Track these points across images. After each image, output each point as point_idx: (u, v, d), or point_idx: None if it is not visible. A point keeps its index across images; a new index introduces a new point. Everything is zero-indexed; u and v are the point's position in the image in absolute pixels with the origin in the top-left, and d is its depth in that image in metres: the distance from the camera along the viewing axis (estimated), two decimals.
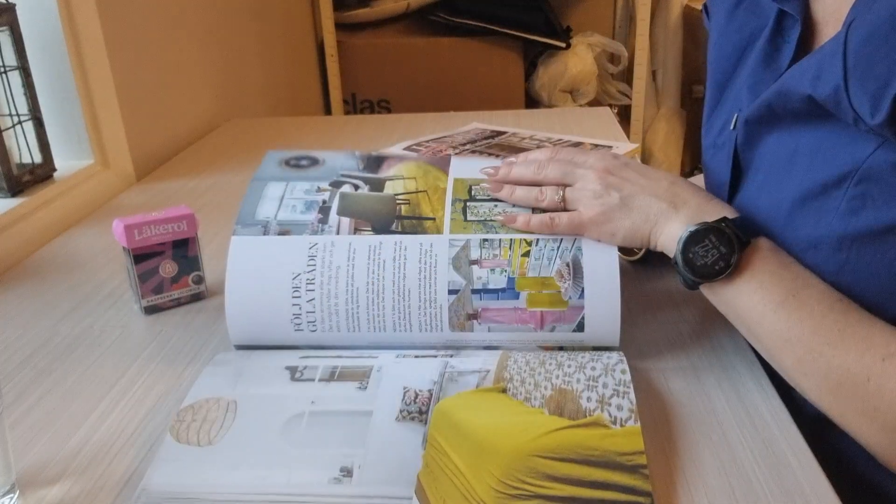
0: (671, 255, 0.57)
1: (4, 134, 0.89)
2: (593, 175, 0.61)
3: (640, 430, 0.49)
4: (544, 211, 0.62)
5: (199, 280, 0.72)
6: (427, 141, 1.12)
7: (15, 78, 0.91)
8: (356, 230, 0.61)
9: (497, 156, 1.00)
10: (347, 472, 0.47)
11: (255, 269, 0.61)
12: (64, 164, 1.01)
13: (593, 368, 0.55)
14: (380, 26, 2.20)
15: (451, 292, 0.59)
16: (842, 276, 0.51)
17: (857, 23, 0.48)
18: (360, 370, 0.56)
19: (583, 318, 0.58)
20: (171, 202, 1.01)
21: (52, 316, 0.72)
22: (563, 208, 0.61)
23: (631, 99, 2.26)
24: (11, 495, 0.47)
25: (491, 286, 0.59)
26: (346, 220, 0.62)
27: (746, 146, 0.61)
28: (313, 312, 0.60)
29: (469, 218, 0.62)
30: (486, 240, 0.60)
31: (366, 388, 0.54)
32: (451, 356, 0.58)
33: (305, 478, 0.47)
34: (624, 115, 2.31)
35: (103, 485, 0.49)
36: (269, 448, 0.50)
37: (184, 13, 1.32)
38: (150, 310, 0.71)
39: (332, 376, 0.56)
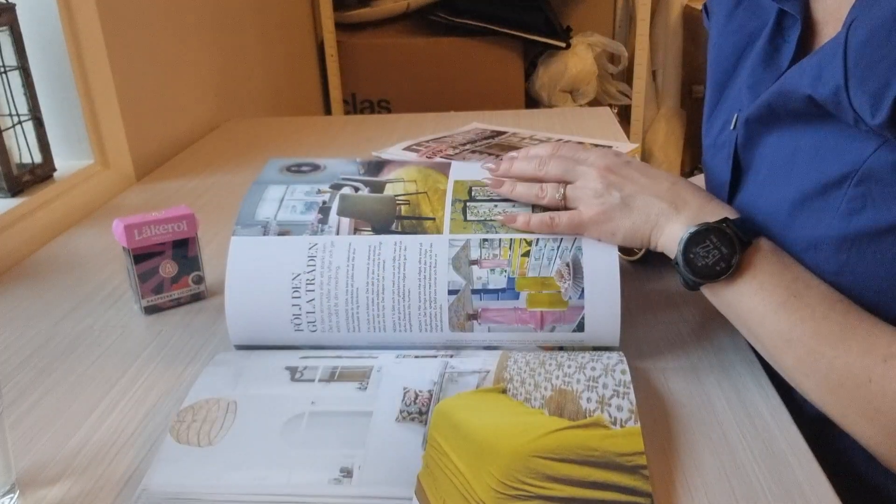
0: (671, 256, 0.57)
1: (4, 134, 0.89)
2: (595, 173, 0.60)
3: (640, 431, 0.49)
4: (545, 208, 0.62)
5: (199, 280, 0.72)
6: (427, 141, 1.12)
7: (15, 78, 0.91)
8: (356, 230, 0.62)
9: (497, 156, 1.00)
10: (347, 473, 0.47)
11: (254, 270, 0.61)
12: (64, 164, 1.01)
13: (593, 369, 0.55)
14: (380, 26, 2.20)
15: (450, 292, 0.59)
16: (842, 277, 0.51)
17: (858, 23, 0.48)
18: (360, 370, 0.56)
19: (583, 318, 0.58)
20: (171, 202, 1.01)
21: (52, 316, 0.72)
22: (564, 206, 0.61)
23: (631, 99, 2.26)
24: (11, 495, 0.47)
25: (491, 286, 0.59)
26: (345, 221, 0.62)
27: (747, 146, 0.61)
28: (313, 313, 0.60)
29: (469, 218, 0.62)
30: (485, 240, 0.60)
31: (366, 388, 0.54)
32: (451, 356, 0.58)
33: (305, 478, 0.47)
34: (624, 115, 2.31)
35: (103, 485, 0.49)
36: (269, 448, 0.50)
37: (184, 13, 1.32)
38: (150, 310, 0.71)
39: (332, 377, 0.56)
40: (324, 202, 0.64)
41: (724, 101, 0.66)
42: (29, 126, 0.94)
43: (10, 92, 0.91)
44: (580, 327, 0.58)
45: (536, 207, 0.62)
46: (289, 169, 0.68)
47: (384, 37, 2.19)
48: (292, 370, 0.57)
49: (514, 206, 0.63)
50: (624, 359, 0.56)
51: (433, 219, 0.62)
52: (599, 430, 0.49)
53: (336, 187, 0.65)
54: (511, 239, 0.60)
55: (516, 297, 0.58)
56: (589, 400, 0.52)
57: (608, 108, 1.45)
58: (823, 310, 0.50)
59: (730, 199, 0.63)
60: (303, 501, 0.46)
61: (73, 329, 0.69)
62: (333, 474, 0.47)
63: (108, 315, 0.71)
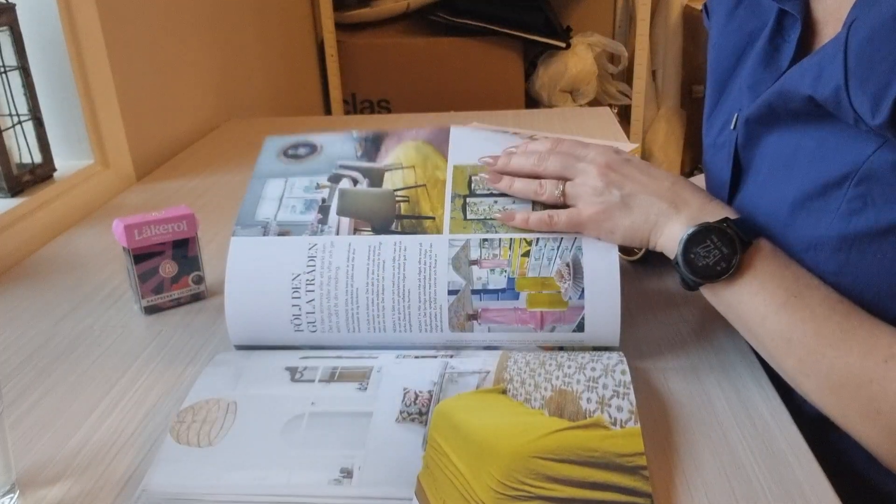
0: (671, 256, 0.56)
1: (4, 134, 0.89)
2: (594, 170, 0.60)
3: (640, 432, 0.49)
4: (543, 205, 0.61)
5: (199, 280, 0.72)
6: None
7: (15, 78, 0.91)
8: (356, 230, 0.61)
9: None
10: (347, 474, 0.47)
11: (254, 270, 0.61)
12: (64, 164, 1.01)
13: (593, 369, 0.55)
14: (380, 26, 2.20)
15: (450, 293, 0.59)
16: (842, 277, 0.51)
17: (859, 23, 0.48)
18: (360, 371, 0.56)
19: (583, 318, 0.58)
20: (171, 202, 1.01)
21: (52, 316, 0.72)
22: (563, 203, 0.61)
23: (631, 99, 2.26)
24: (11, 495, 0.47)
25: (491, 286, 0.59)
26: (345, 220, 0.62)
27: (747, 146, 0.61)
28: (313, 313, 0.60)
29: (469, 216, 0.62)
30: (485, 240, 0.60)
31: (366, 388, 0.54)
32: (451, 357, 0.58)
33: (305, 479, 0.47)
34: (624, 115, 2.31)
35: (103, 485, 0.49)
36: (269, 449, 0.50)
37: (184, 13, 1.32)
38: (150, 310, 0.70)
39: (332, 377, 0.56)
40: (323, 200, 0.64)
41: (724, 101, 0.66)
42: (29, 126, 0.94)
43: (10, 92, 0.91)
44: (580, 327, 0.58)
45: (536, 204, 0.62)
46: (286, 153, 0.68)
47: (384, 37, 2.19)
48: (292, 370, 0.57)
49: (513, 202, 0.62)
50: (624, 359, 0.56)
51: (433, 218, 0.62)
52: (599, 431, 0.49)
53: (334, 179, 0.65)
54: (511, 239, 0.60)
55: (516, 297, 0.58)
56: (589, 400, 0.52)
57: (608, 108, 1.45)
58: (824, 310, 0.50)
59: (730, 199, 0.63)
60: (303, 502, 0.46)
61: (73, 329, 0.69)
62: (333, 475, 0.47)
63: (108, 315, 0.71)
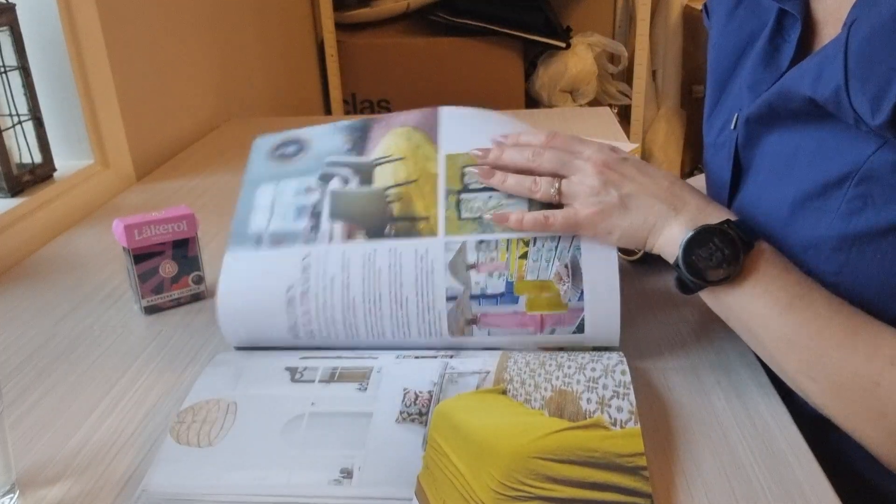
0: (670, 259, 0.56)
1: (4, 134, 0.89)
2: (592, 169, 0.58)
3: (640, 432, 0.49)
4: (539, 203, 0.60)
5: (199, 280, 0.72)
6: None
7: (15, 78, 0.91)
8: (349, 235, 0.60)
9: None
10: (347, 474, 0.47)
11: (248, 287, 0.60)
12: (64, 164, 1.01)
13: (593, 369, 0.55)
14: (380, 26, 2.20)
15: (449, 299, 0.58)
16: (842, 277, 0.51)
17: (859, 24, 0.48)
18: (360, 371, 0.56)
19: (583, 319, 0.58)
20: (171, 202, 1.01)
21: (52, 316, 0.72)
22: (558, 201, 0.59)
23: (631, 99, 2.26)
24: (11, 495, 0.47)
25: (490, 291, 0.58)
26: (338, 226, 0.61)
27: (747, 146, 0.60)
28: (310, 324, 0.59)
29: (464, 215, 0.60)
30: (482, 241, 0.59)
31: (366, 389, 0.54)
32: (451, 357, 0.58)
33: (305, 479, 0.47)
34: (624, 115, 2.31)
35: (103, 485, 0.49)
36: (269, 449, 0.50)
37: (184, 13, 1.32)
38: (150, 310, 0.70)
39: (332, 377, 0.56)
40: (314, 205, 0.62)
41: (725, 101, 0.66)
42: (29, 126, 0.94)
43: (10, 92, 0.91)
44: (580, 329, 0.58)
45: (531, 200, 0.60)
46: (274, 154, 0.67)
47: (384, 37, 2.19)
48: (292, 371, 0.57)
49: (508, 196, 0.60)
50: (624, 359, 0.56)
51: (427, 218, 0.60)
52: (599, 431, 0.49)
53: (324, 178, 0.63)
54: (508, 240, 0.59)
55: (515, 301, 0.58)
56: (589, 401, 0.52)
57: (608, 108, 1.45)
58: (828, 312, 0.50)
59: (730, 199, 0.63)
60: (303, 502, 0.46)
61: (73, 329, 0.69)
62: (333, 475, 0.47)
63: (108, 315, 0.71)
